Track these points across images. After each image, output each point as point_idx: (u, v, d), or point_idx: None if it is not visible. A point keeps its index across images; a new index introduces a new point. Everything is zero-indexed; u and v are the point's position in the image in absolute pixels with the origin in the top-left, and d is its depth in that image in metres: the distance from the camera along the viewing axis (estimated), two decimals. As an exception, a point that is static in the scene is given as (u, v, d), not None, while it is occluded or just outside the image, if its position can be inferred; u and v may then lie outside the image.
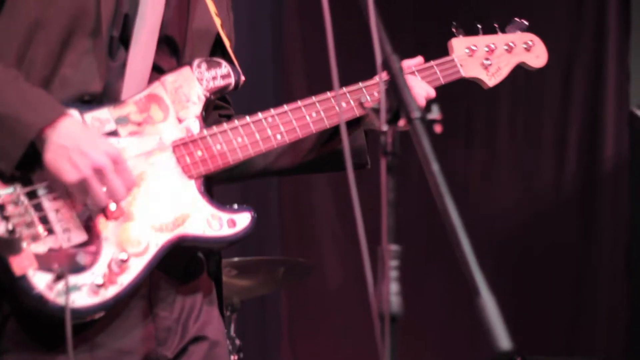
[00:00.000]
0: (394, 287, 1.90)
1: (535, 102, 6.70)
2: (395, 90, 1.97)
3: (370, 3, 2.05)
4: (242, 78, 2.80)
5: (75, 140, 2.46)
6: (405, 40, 6.28)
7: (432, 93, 2.99)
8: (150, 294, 2.73)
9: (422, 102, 2.95)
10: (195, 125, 2.73)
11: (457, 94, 4.65)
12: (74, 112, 2.55)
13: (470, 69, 3.13)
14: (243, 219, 2.74)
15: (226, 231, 2.71)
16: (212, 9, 2.88)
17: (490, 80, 3.17)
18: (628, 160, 6.58)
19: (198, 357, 2.81)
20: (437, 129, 1.95)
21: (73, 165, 2.45)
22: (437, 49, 3.16)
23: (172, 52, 2.79)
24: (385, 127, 1.97)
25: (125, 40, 2.69)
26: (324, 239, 6.52)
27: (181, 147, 2.70)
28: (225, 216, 2.71)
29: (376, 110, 1.98)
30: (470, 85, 3.22)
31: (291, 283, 5.77)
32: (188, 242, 2.67)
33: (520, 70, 3.44)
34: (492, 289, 1.82)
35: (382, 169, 1.95)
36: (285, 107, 2.84)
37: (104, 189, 2.49)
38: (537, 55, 3.25)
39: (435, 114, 1.98)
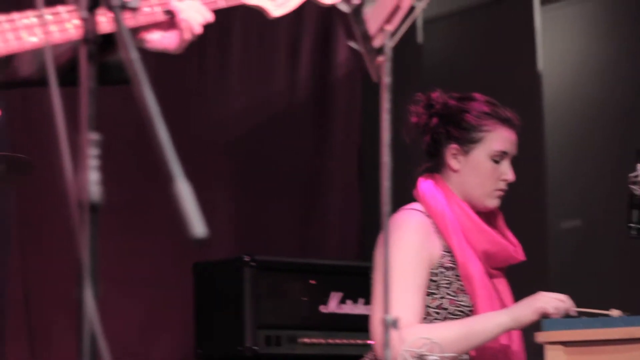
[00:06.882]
0: (94, 176, 1.89)
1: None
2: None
3: None
4: None
5: None
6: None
7: (209, 17, 2.74)
8: None
9: (198, 29, 2.71)
10: None
11: None
12: None
13: None
14: None
15: None
16: None
17: (277, 10, 2.82)
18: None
19: None
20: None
21: None
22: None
23: None
24: (86, 15, 1.94)
25: None
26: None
27: None
28: None
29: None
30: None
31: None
32: None
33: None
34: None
35: (82, 57, 1.92)
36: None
37: None
38: None
39: (135, 3, 1.97)
